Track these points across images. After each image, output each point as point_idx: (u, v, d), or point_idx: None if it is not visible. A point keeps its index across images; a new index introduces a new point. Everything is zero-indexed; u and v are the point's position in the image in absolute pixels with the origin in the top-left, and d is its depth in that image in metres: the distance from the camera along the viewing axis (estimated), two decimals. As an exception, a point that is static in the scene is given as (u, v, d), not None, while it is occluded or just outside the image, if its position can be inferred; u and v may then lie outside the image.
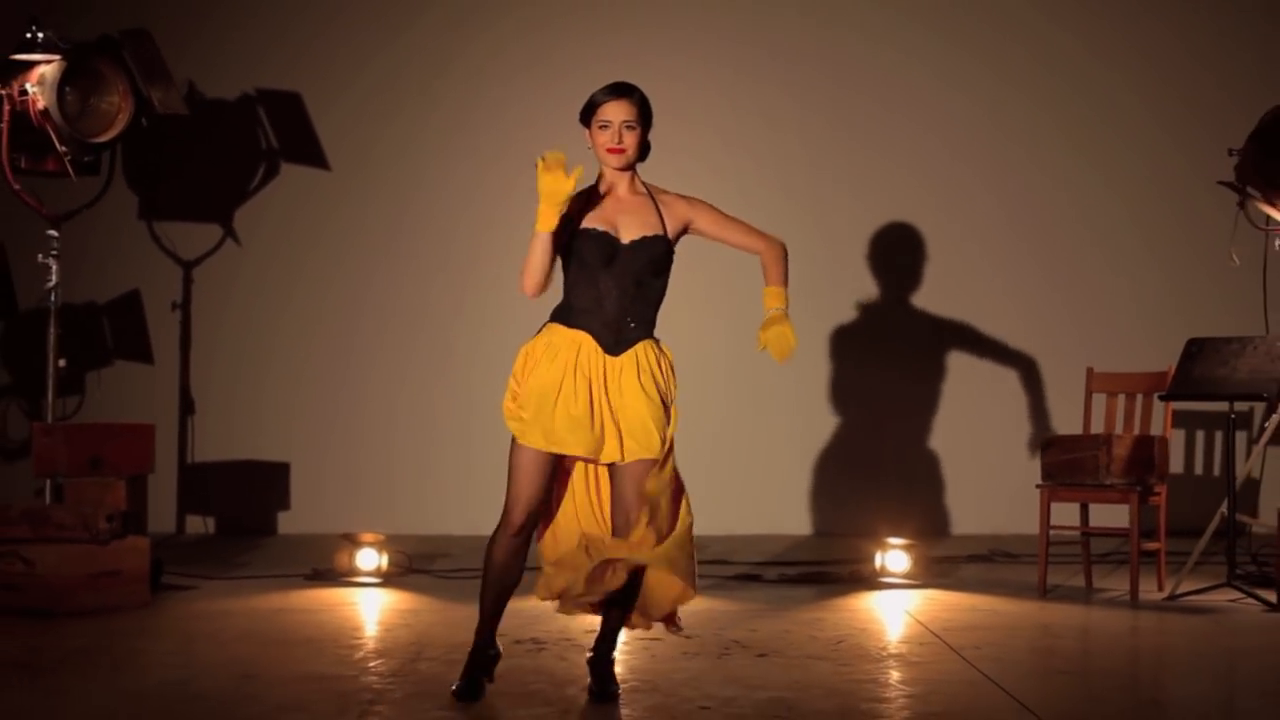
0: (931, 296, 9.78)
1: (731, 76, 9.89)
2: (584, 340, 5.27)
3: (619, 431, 5.23)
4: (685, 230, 5.40)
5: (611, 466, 5.27)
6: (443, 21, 9.91)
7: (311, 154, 9.83)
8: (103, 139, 8.02)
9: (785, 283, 5.44)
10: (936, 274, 9.80)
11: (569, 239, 5.32)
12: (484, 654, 5.40)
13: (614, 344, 5.29)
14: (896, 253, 9.82)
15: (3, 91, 7.84)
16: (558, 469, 5.32)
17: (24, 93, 7.84)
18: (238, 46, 9.85)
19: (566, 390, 5.21)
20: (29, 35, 7.87)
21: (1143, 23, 9.91)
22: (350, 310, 9.90)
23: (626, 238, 5.32)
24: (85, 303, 9.50)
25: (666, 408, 5.29)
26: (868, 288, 9.80)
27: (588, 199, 5.37)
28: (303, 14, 9.92)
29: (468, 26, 9.91)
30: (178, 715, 5.19)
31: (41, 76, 7.82)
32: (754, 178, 9.74)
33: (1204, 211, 9.22)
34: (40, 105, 7.80)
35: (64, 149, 7.85)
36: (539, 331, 5.35)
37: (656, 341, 5.38)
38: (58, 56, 7.85)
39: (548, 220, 5.15)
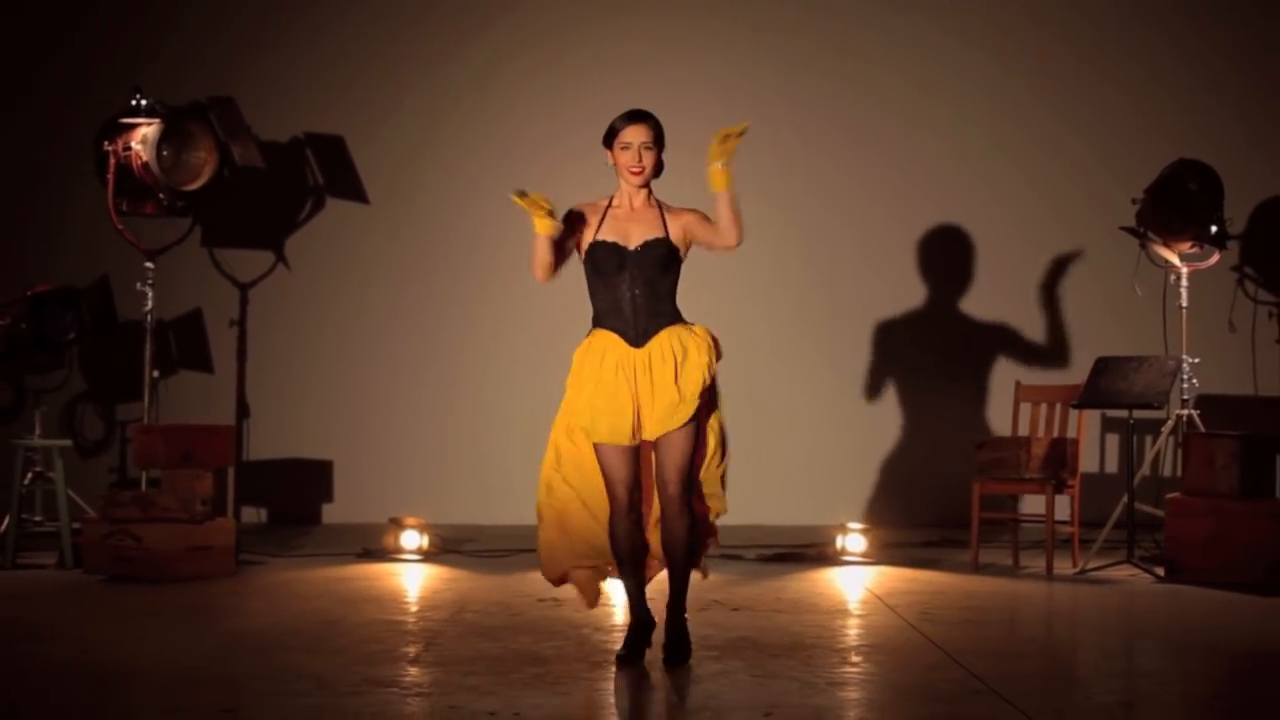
0: (910, 313, 10.46)
1: (747, 118, 10.40)
2: (613, 339, 5.71)
3: (654, 411, 5.64)
4: (687, 236, 5.78)
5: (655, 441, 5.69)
6: (465, 69, 10.51)
7: (353, 189, 10.41)
8: (192, 188, 8.83)
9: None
10: (913, 294, 10.48)
11: (586, 251, 5.72)
12: (641, 623, 5.88)
13: (637, 337, 5.70)
14: (886, 274, 10.53)
15: (110, 148, 8.71)
16: (641, 452, 5.72)
17: (127, 149, 8.68)
18: (287, 93, 10.44)
19: (609, 387, 5.66)
20: (133, 102, 8.74)
21: (1085, 77, 10.64)
22: (383, 326, 10.49)
23: (634, 244, 5.70)
24: (155, 320, 9.86)
25: (707, 384, 5.68)
26: (857, 305, 10.53)
27: (603, 212, 5.76)
28: (342, 65, 10.52)
29: (482, 73, 10.51)
30: (283, 646, 6.32)
31: (144, 136, 8.68)
32: (764, 212, 10.03)
33: (1133, 247, 9.42)
34: (142, 160, 8.63)
35: (161, 196, 8.70)
36: (587, 336, 5.81)
37: (685, 324, 5.77)
38: (156, 119, 8.70)
39: (542, 227, 5.65)
